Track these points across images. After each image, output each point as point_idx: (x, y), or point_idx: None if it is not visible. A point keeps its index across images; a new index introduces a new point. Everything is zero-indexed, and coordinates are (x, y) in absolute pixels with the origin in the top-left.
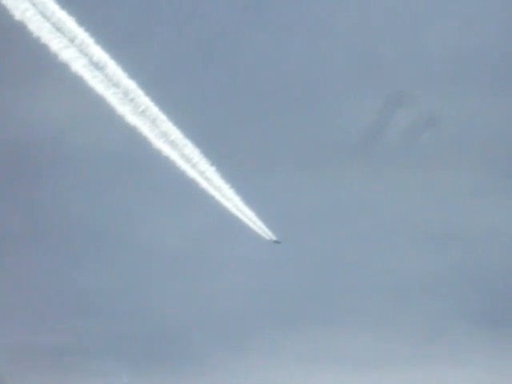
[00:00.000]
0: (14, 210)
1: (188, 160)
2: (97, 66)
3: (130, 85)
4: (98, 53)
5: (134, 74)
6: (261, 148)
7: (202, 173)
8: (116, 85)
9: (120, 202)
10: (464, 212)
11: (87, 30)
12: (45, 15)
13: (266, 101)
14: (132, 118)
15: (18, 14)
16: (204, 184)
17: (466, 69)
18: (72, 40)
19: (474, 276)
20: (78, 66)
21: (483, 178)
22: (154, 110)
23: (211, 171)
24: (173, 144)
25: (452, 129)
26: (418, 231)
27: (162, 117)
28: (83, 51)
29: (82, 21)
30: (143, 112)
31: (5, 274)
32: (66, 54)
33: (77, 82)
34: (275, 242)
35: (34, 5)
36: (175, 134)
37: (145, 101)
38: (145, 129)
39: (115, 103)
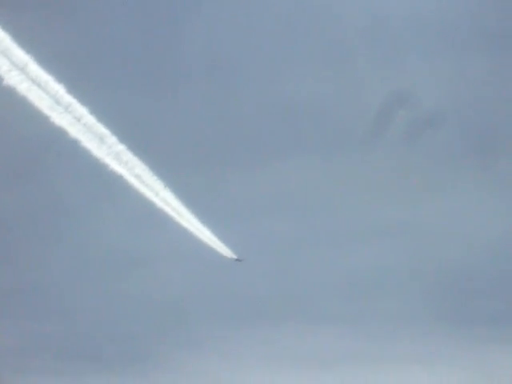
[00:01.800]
0: None
1: (143, 181)
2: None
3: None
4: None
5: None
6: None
7: (156, 192)
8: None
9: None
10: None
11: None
12: None
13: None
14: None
15: None
16: (159, 204)
17: (466, 69)
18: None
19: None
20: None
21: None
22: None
23: (165, 190)
24: (123, 162)
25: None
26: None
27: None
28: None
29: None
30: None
31: None
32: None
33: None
34: (237, 260)
35: None
36: (127, 154)
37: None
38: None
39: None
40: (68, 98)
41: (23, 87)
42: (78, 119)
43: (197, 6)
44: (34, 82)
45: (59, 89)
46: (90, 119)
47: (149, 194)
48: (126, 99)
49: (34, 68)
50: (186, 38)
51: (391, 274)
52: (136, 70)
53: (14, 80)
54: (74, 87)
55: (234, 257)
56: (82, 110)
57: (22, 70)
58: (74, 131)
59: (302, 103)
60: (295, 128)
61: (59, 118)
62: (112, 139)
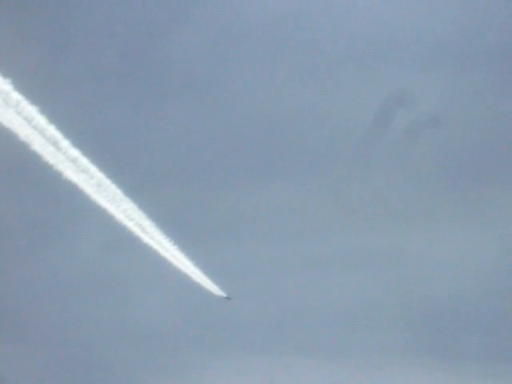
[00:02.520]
0: None
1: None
2: None
3: None
4: None
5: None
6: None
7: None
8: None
9: None
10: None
11: None
12: None
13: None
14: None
15: None
16: (147, 240)
17: (466, 68)
18: None
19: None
20: None
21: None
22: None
23: (154, 230)
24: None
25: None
26: None
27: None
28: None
29: None
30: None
31: None
32: None
33: None
34: (226, 298)
35: None
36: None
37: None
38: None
39: None
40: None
41: None
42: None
43: (182, 20)
44: None
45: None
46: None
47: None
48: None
49: None
50: (170, 52)
51: (378, 305)
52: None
53: None
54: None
55: (224, 295)
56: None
57: None
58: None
59: (298, 108)
60: (284, 146)
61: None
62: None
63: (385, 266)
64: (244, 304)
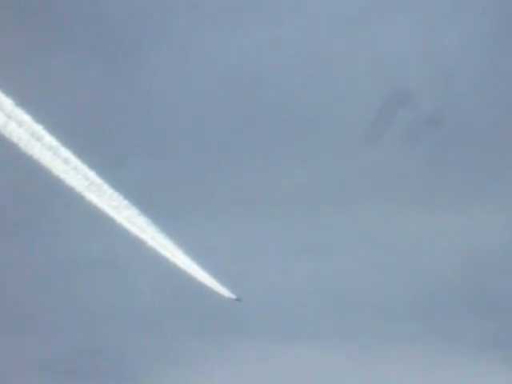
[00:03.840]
0: None
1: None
2: None
3: None
4: None
5: None
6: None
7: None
8: None
9: None
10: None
11: None
12: None
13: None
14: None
15: None
16: (153, 244)
17: (466, 68)
18: None
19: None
20: None
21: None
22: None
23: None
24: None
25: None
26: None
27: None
28: None
29: None
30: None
31: None
32: None
33: None
34: (236, 299)
35: None
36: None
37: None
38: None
39: None
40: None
41: None
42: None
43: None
44: None
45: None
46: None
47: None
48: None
49: None
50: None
51: (379, 288)
52: None
53: None
54: None
55: (233, 296)
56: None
57: None
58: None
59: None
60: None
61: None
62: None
63: (386, 250)
64: (242, 290)
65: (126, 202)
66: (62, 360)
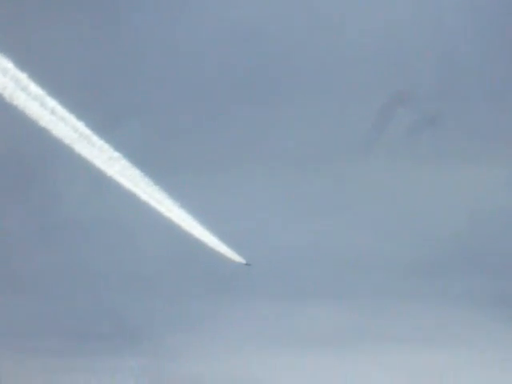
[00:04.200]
0: None
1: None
2: None
3: None
4: None
5: None
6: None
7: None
8: None
9: None
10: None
11: None
12: None
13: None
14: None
15: None
16: (161, 210)
17: (466, 68)
18: None
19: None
20: None
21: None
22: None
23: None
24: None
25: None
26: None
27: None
28: None
29: None
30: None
31: None
32: None
33: None
34: (246, 264)
35: None
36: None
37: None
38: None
39: None
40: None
41: None
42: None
43: None
44: None
45: None
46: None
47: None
48: None
49: None
50: None
51: (382, 247)
52: None
53: None
54: None
55: (243, 261)
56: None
57: None
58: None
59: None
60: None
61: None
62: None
63: (393, 208)
64: (248, 250)
65: (117, 154)
66: (64, 322)
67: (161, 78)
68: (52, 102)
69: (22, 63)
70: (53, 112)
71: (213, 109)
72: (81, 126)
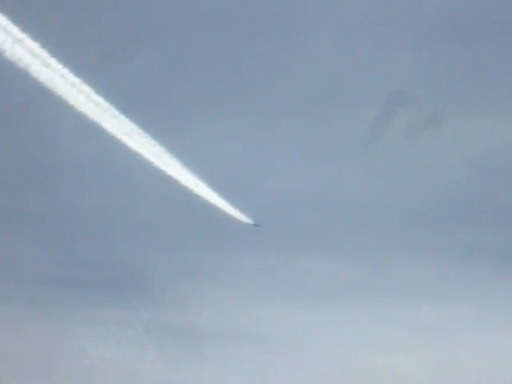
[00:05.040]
0: None
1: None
2: None
3: None
4: None
5: None
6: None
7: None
8: None
9: None
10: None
11: None
12: None
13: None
14: None
15: None
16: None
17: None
18: None
19: None
20: None
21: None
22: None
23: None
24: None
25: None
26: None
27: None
28: None
29: None
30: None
31: None
32: None
33: None
34: (254, 225)
35: None
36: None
37: None
38: None
39: None
40: None
41: None
42: None
43: None
44: None
45: None
46: None
47: None
48: None
49: None
50: None
51: (386, 201)
52: None
53: None
54: None
55: (251, 222)
56: None
57: None
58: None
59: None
60: None
61: None
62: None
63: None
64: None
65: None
66: (64, 270)
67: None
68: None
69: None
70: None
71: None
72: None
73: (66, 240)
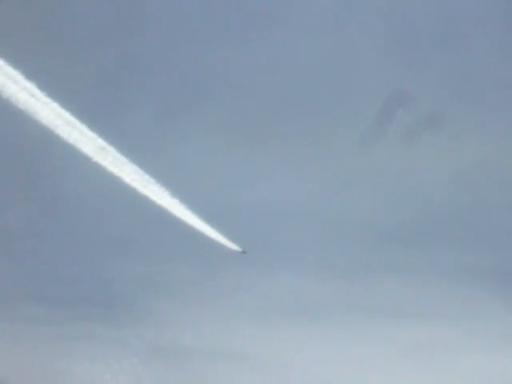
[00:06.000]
0: None
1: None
2: None
3: None
4: None
5: None
6: None
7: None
8: None
9: None
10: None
11: None
12: None
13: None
14: None
15: None
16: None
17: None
18: None
19: None
20: None
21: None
22: None
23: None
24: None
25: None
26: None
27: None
28: None
29: None
30: None
31: None
32: None
33: None
34: (242, 252)
35: None
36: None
37: None
38: None
39: None
40: None
41: None
42: None
43: None
44: None
45: None
46: None
47: None
48: None
49: None
50: None
51: (366, 212)
52: None
53: None
54: None
55: (239, 249)
56: None
57: None
58: None
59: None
60: None
61: None
62: None
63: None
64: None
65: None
66: (50, 287)
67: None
68: None
69: None
70: None
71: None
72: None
73: (44, 256)
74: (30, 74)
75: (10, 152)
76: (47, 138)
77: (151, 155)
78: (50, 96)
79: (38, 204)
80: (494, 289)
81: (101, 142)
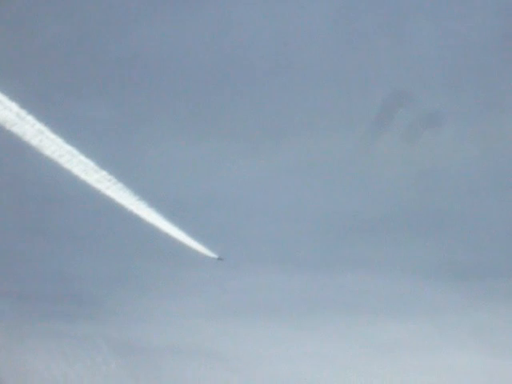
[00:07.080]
0: None
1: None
2: None
3: None
4: None
5: None
6: None
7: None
8: None
9: None
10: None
11: None
12: None
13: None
14: None
15: None
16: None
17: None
18: None
19: None
20: None
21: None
22: None
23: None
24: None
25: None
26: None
27: None
28: None
29: None
30: None
31: None
32: None
33: None
34: (219, 259)
35: None
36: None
37: None
38: None
39: None
40: None
41: None
42: None
43: None
44: None
45: None
46: None
47: None
48: None
49: None
50: None
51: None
52: None
53: None
54: None
55: (215, 256)
56: None
57: None
58: None
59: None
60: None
61: None
62: None
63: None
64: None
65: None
66: (16, 284)
67: None
68: None
69: None
70: None
71: None
72: None
73: (7, 253)
74: None
75: None
76: None
77: (112, 153)
78: None
79: (2, 201)
80: (464, 285)
81: (55, 138)
